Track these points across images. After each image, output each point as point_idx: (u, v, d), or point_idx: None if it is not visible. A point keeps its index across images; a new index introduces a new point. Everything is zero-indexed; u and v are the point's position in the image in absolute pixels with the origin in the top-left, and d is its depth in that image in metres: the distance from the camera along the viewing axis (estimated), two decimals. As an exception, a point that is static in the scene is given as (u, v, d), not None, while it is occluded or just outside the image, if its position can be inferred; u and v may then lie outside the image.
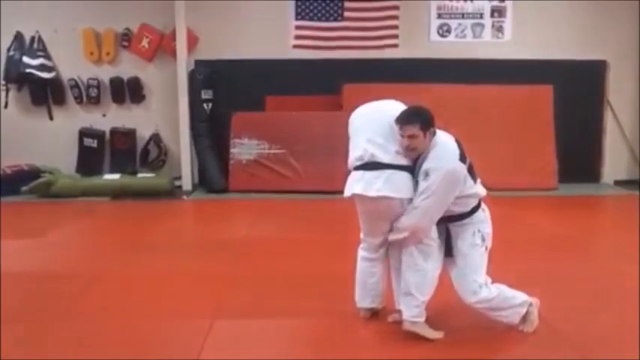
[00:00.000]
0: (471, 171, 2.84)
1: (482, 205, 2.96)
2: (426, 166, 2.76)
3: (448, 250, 2.92)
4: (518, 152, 7.28)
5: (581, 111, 7.73)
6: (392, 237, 2.91)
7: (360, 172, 2.89)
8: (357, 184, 2.88)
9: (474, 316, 3.21)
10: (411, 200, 2.82)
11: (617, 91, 7.81)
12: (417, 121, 2.75)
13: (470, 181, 2.83)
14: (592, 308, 3.41)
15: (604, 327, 3.12)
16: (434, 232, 2.92)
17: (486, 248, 2.93)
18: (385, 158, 2.82)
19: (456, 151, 2.79)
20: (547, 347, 2.91)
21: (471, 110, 7.13)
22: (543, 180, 7.37)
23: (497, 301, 2.91)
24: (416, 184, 2.83)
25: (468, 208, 2.88)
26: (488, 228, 2.95)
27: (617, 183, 7.86)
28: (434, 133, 2.80)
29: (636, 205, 6.30)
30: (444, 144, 2.81)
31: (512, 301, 2.95)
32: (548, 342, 2.95)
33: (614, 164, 7.93)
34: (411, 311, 2.91)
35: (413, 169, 2.85)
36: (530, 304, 3.02)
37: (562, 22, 7.70)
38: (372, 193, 2.82)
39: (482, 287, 2.87)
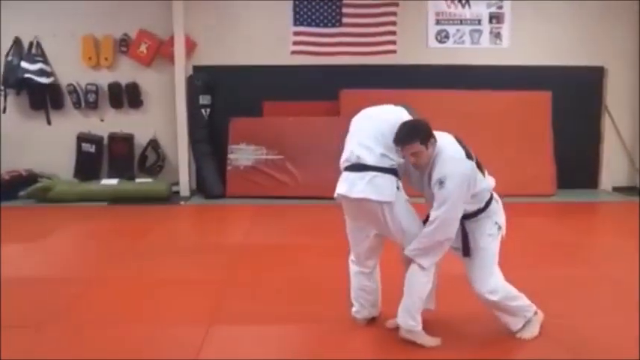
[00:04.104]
0: (478, 165, 2.84)
1: (495, 195, 2.97)
2: (437, 174, 2.73)
3: (466, 250, 2.89)
4: (517, 158, 7.28)
5: (580, 117, 7.74)
6: (416, 254, 2.83)
7: (346, 173, 2.92)
8: (341, 184, 2.91)
9: (470, 323, 3.21)
10: (391, 204, 2.80)
11: (615, 98, 7.82)
12: (417, 138, 2.73)
13: (479, 175, 2.83)
14: (588, 313, 3.41)
15: (600, 332, 3.11)
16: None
17: (502, 237, 2.93)
18: (370, 160, 2.82)
19: (461, 152, 2.79)
20: (543, 353, 2.89)
21: (469, 116, 7.13)
22: (541, 186, 7.37)
23: (509, 296, 2.91)
24: (425, 188, 2.82)
25: (483, 203, 2.88)
26: (502, 217, 2.95)
27: (616, 189, 7.86)
28: (434, 142, 2.78)
29: (634, 212, 6.29)
30: (447, 147, 2.80)
31: (520, 300, 2.95)
32: (544, 347, 2.93)
33: (612, 171, 7.93)
34: (406, 320, 2.90)
35: (397, 172, 2.85)
36: (536, 313, 3.02)
37: (560, 28, 7.73)
38: (354, 195, 2.83)
39: (497, 279, 2.88)
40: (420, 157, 2.75)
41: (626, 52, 7.76)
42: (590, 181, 7.92)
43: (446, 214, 2.72)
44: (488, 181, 2.91)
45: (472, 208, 2.85)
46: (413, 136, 2.73)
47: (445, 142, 2.83)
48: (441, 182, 2.70)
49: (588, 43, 7.70)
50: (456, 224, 2.78)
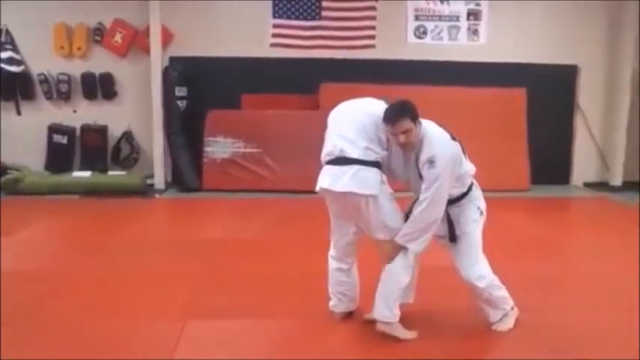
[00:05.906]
0: (461, 148, 2.90)
1: (474, 181, 3.01)
2: (426, 154, 2.75)
3: (452, 236, 2.93)
4: (491, 153, 7.35)
5: (553, 114, 7.88)
6: (407, 240, 2.83)
7: (329, 167, 2.90)
8: (325, 178, 2.89)
9: (448, 317, 3.23)
10: (375, 197, 2.80)
11: (587, 95, 7.99)
12: (408, 115, 2.75)
13: (463, 157, 2.88)
14: (564, 307, 3.47)
15: (576, 326, 3.17)
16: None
17: (484, 222, 2.98)
18: (354, 153, 2.81)
19: (446, 134, 2.84)
20: (521, 346, 2.94)
21: (446, 112, 7.00)
22: (515, 181, 7.48)
23: (494, 285, 2.97)
24: (411, 173, 2.83)
25: (466, 188, 2.93)
26: (483, 203, 3.01)
27: (587, 185, 8.04)
28: (420, 123, 2.81)
29: (605, 207, 6.44)
30: (432, 129, 2.84)
31: (502, 291, 3.02)
32: (521, 341, 2.98)
33: (583, 167, 8.11)
34: (382, 310, 2.91)
35: (381, 165, 2.86)
36: (512, 308, 3.09)
37: (536, 26, 7.84)
38: (339, 188, 2.82)
39: (484, 266, 2.94)
40: (410, 135, 2.76)
41: (598, 52, 7.92)
42: (562, 177, 8.09)
43: (435, 193, 2.75)
44: (470, 165, 2.96)
45: (456, 192, 2.89)
46: (403, 112, 2.75)
47: (429, 125, 2.87)
48: (431, 162, 2.73)
49: (563, 41, 7.84)
50: (444, 205, 2.81)
